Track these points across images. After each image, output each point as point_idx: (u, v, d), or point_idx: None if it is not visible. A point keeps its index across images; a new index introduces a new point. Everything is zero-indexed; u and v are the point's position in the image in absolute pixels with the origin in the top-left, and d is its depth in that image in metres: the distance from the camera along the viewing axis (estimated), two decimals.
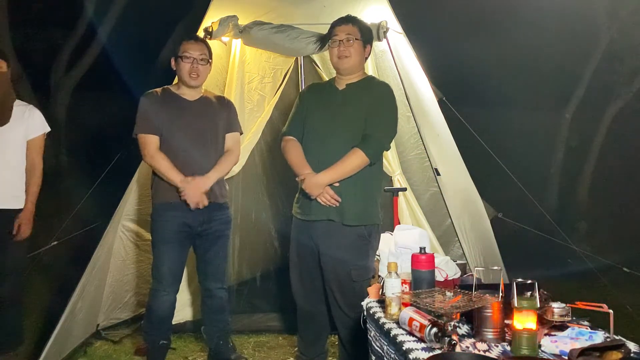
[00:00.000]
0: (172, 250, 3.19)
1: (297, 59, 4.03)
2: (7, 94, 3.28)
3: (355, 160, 2.88)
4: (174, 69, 3.25)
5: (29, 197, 3.32)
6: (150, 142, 3.15)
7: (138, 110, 3.19)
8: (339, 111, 2.98)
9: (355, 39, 2.97)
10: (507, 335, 2.00)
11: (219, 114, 3.30)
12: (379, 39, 3.78)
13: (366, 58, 3.08)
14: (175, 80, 3.34)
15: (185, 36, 3.33)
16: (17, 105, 3.34)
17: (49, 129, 3.44)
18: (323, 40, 3.23)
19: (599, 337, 1.92)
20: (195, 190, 3.10)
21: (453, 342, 1.90)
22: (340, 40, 2.97)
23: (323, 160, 2.93)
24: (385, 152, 3.86)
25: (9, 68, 3.27)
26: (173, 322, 3.42)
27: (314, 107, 3.08)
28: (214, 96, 3.38)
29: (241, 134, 3.44)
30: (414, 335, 2.03)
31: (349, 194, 2.90)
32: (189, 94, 3.26)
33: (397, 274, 2.31)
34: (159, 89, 3.27)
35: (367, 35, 3.06)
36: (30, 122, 3.34)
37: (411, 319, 2.04)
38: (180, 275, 3.30)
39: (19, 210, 3.27)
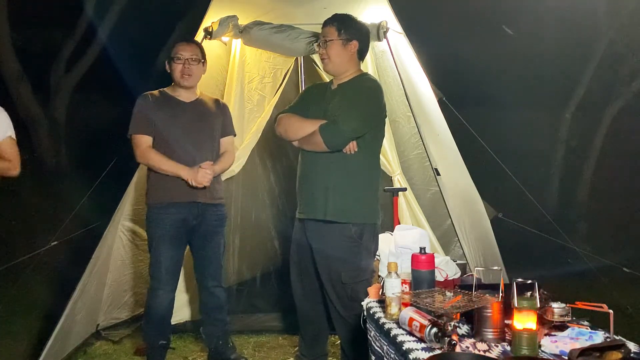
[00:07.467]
0: (168, 248, 3.22)
1: (297, 59, 4.02)
2: None
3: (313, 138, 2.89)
4: (169, 71, 3.29)
5: None
6: (141, 142, 3.20)
7: (133, 112, 3.24)
8: (322, 110, 2.96)
9: (331, 39, 2.93)
10: (507, 335, 2.00)
11: (215, 116, 3.33)
12: (379, 39, 3.78)
13: (358, 52, 2.98)
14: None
15: (179, 39, 3.36)
16: None
17: (8, 134, 3.06)
18: None
19: (599, 337, 1.92)
20: (201, 172, 3.15)
21: (453, 342, 1.90)
22: (319, 44, 3.00)
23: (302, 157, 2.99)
24: (384, 151, 3.89)
25: None
26: (173, 322, 3.44)
27: (307, 105, 3.07)
28: (210, 99, 3.41)
29: (234, 136, 3.49)
30: (414, 335, 2.03)
31: (333, 189, 2.88)
32: (185, 96, 3.29)
33: (397, 274, 2.31)
34: (155, 91, 3.30)
35: (350, 31, 2.95)
36: None
37: (411, 319, 2.04)
38: (177, 272, 3.32)
39: None
